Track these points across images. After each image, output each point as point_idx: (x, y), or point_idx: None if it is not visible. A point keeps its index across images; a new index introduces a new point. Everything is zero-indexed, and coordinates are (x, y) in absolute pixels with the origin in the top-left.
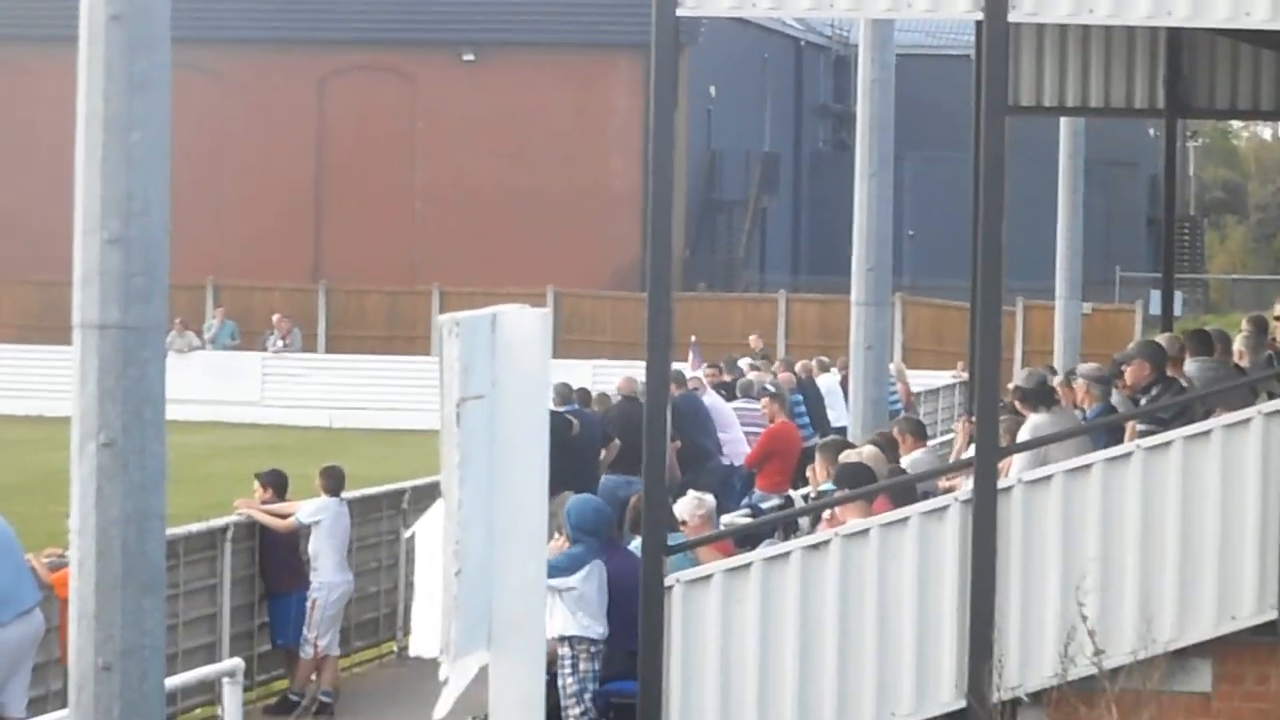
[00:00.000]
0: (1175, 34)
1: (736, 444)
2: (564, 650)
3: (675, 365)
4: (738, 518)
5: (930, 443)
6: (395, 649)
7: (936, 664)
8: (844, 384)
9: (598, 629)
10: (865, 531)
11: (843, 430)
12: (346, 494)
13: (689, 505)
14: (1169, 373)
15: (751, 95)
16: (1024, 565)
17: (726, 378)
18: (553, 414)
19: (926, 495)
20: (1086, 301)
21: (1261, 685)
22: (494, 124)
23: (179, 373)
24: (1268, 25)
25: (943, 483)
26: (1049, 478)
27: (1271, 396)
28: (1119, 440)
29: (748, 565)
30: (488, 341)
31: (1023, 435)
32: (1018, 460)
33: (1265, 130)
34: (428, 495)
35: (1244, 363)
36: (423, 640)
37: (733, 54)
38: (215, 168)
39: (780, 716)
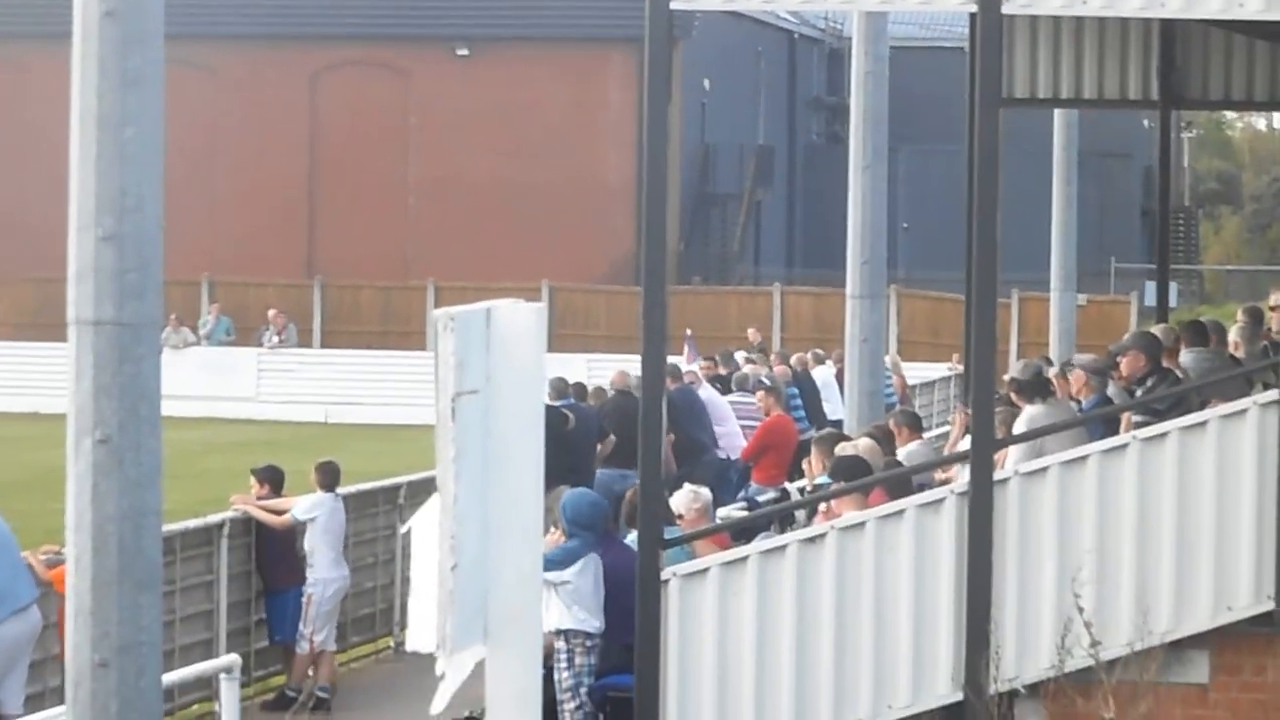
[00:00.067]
0: (1169, 25)
1: (732, 437)
2: (560, 644)
3: (670, 359)
4: (734, 511)
5: (926, 435)
6: (392, 644)
7: (933, 656)
8: (839, 377)
9: (593, 623)
10: (861, 524)
11: (838, 423)
12: (342, 489)
13: (685, 499)
14: (1164, 364)
15: (745, 88)
16: (1020, 557)
17: (722, 371)
18: (548, 408)
19: (922, 487)
20: (1081, 293)
21: (1259, 676)
22: (488, 119)
23: (174, 369)
24: (1261, 16)
25: (939, 475)
26: (1045, 469)
27: (1267, 387)
28: (1115, 432)
29: (744, 558)
30: (482, 336)
31: (1018, 427)
32: (1013, 452)
33: (1259, 121)
34: (424, 490)
35: (1239, 353)
36: (419, 635)
37: (726, 47)
38: (209, 164)
39: (777, 709)
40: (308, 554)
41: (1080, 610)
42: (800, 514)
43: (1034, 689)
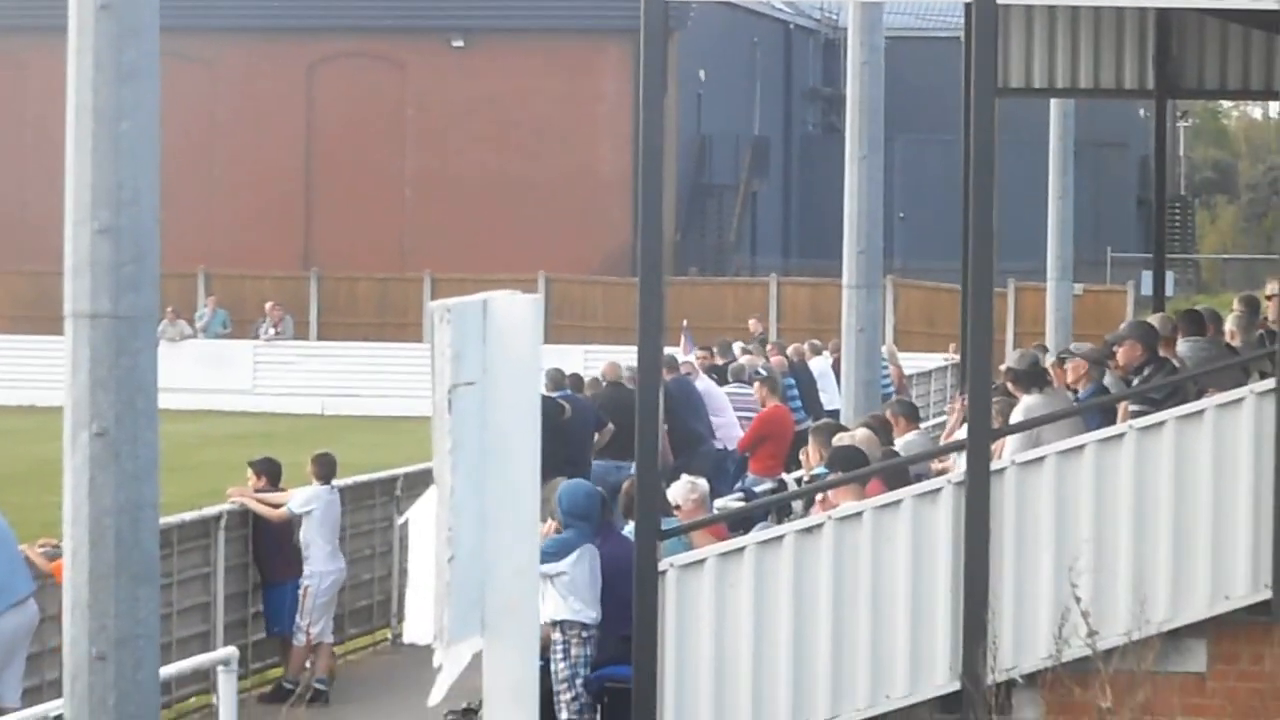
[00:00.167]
0: (1164, 14)
1: (729, 428)
2: (556, 635)
3: (667, 350)
4: (731, 502)
5: (923, 425)
6: (389, 636)
7: (931, 646)
8: (836, 367)
9: (590, 614)
10: (859, 514)
11: (835, 413)
12: (339, 481)
13: (682, 489)
14: (1161, 353)
15: (741, 79)
16: (1017, 547)
17: (719, 361)
18: (544, 399)
19: (920, 477)
20: (1078, 283)
21: (1256, 665)
22: (484, 110)
23: (171, 361)
24: (1256, 5)
25: (936, 465)
26: (1042, 459)
27: (1263, 376)
28: (1111, 421)
29: (741, 549)
30: (479, 328)
31: (1015, 417)
32: (1010, 442)
33: (1255, 110)
34: (420, 482)
35: (1236, 342)
36: (417, 627)
37: (722, 38)
38: (206, 157)
39: (775, 699)
40: (303, 546)
41: (1077, 600)
42: (797, 504)
43: (1031, 679)
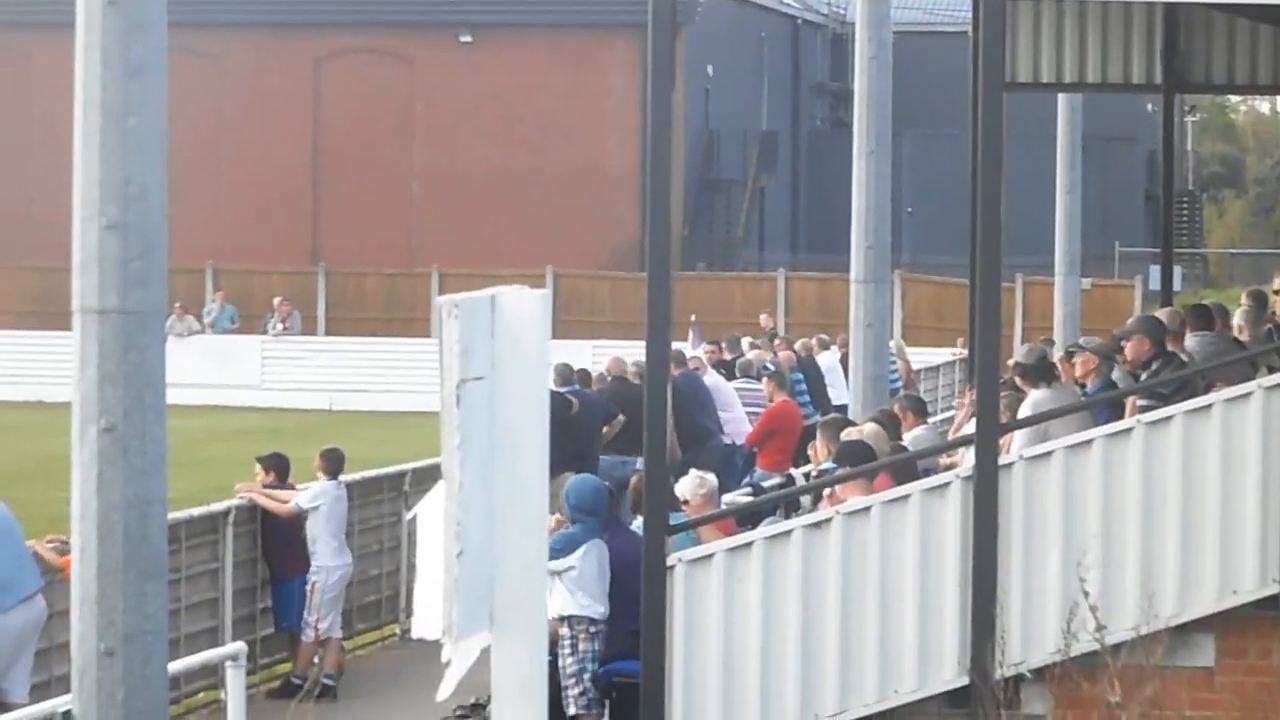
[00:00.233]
0: (1172, 9)
1: (738, 423)
2: (564, 631)
3: (675, 345)
4: (739, 497)
5: (931, 420)
6: (398, 631)
7: (939, 641)
8: (844, 362)
9: (598, 609)
10: (867, 509)
11: (843, 408)
12: (348, 476)
13: (691, 484)
14: (1169, 348)
15: (749, 74)
16: (1025, 542)
17: (727, 356)
18: (552, 394)
19: (928, 472)
20: (1086, 277)
21: (1264, 659)
22: (492, 105)
23: (179, 357)
24: None
25: (944, 460)
26: (1050, 454)
27: (1271, 371)
28: (1119, 416)
29: (749, 544)
30: (487, 323)
31: (1023, 412)
32: (1018, 437)
33: (1263, 104)
34: (429, 477)
35: (1244, 337)
36: (425, 622)
37: (730, 33)
38: (213, 152)
39: (783, 695)
40: (310, 542)
41: (1085, 594)
42: (805, 499)
43: (1039, 673)
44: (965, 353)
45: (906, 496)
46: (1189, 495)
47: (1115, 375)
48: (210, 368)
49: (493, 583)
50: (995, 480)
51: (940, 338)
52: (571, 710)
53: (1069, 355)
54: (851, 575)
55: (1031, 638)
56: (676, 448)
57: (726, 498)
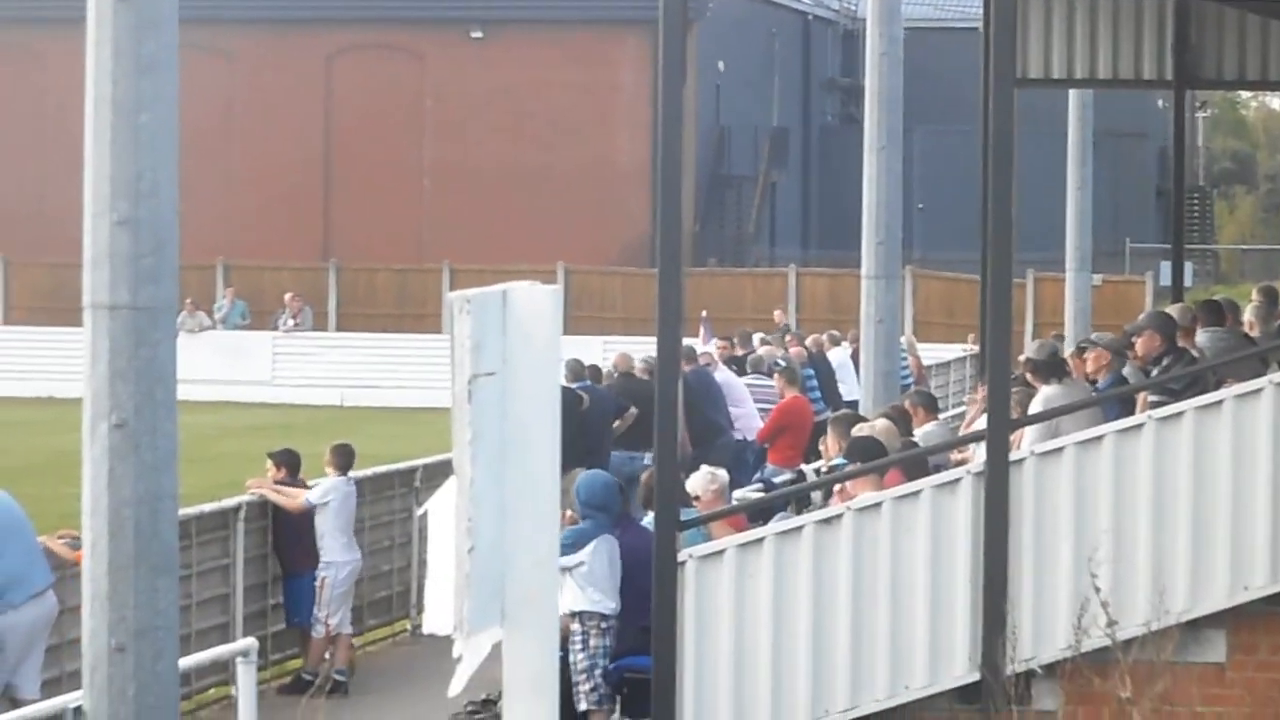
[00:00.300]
0: (1183, 4)
1: (749, 419)
2: (575, 626)
3: (686, 341)
4: (750, 493)
5: (942, 415)
6: (409, 627)
7: (950, 637)
8: (855, 358)
9: (609, 604)
10: (878, 505)
11: (854, 404)
12: (359, 472)
13: (702, 480)
14: (1180, 343)
15: (760, 70)
16: (1036, 537)
17: (739, 351)
18: (563, 390)
19: (939, 468)
20: (1096, 273)
21: (1276, 655)
22: (502, 101)
23: (190, 353)
24: None
25: (955, 455)
26: (1061, 450)
27: None
28: (1130, 412)
29: (760, 540)
30: (499, 318)
31: (1034, 407)
32: (1029, 432)
33: (1274, 100)
34: (440, 473)
35: (1254, 333)
36: (436, 618)
37: (740, 29)
38: (224, 148)
39: (794, 690)
40: (319, 537)
41: (1097, 590)
42: (816, 495)
43: (1051, 669)
44: (976, 349)
45: (917, 492)
46: (1200, 491)
47: (1126, 371)
48: (221, 364)
49: (504, 578)
50: (1006, 476)
51: (951, 334)
52: (583, 706)
53: (1080, 351)
54: (862, 571)
55: (1042, 633)
56: (687, 444)
57: (737, 494)
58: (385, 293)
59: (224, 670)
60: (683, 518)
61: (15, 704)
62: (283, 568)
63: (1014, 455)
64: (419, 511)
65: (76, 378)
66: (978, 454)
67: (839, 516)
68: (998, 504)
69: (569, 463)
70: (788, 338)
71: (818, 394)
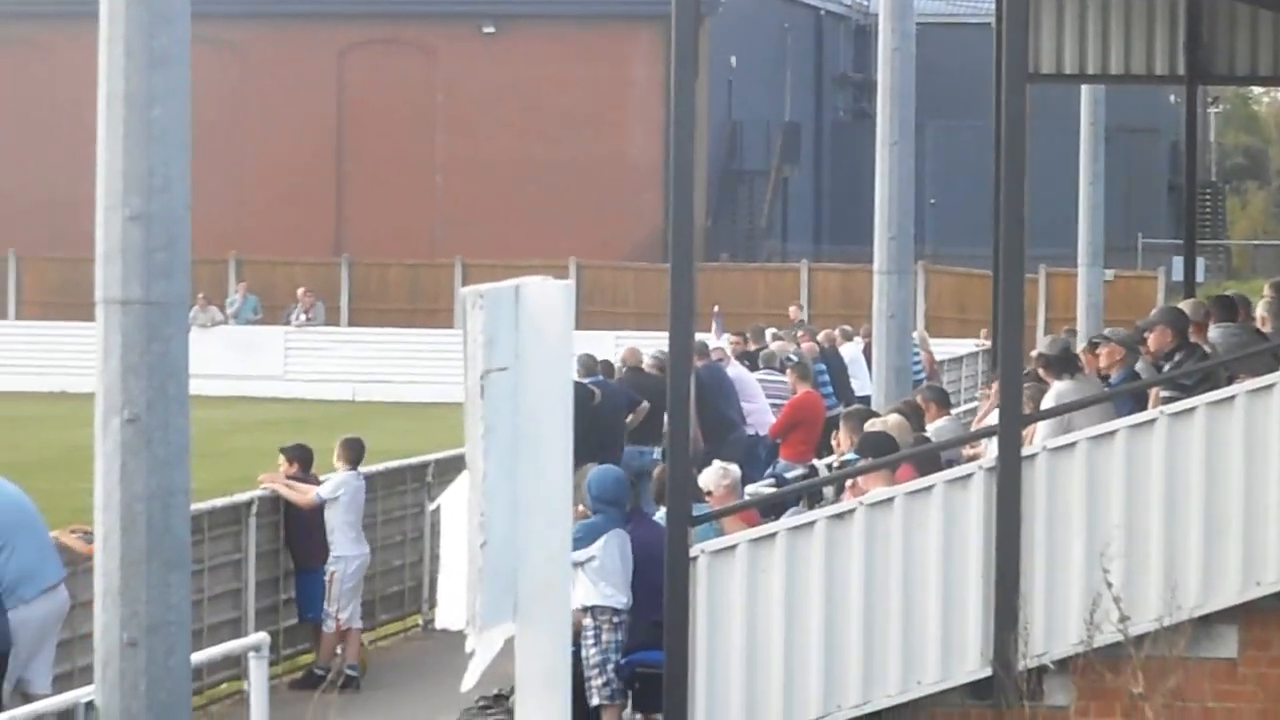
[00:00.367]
0: (1195, 0)
1: (761, 414)
2: (587, 621)
3: (697, 336)
4: (762, 488)
5: (954, 411)
6: (420, 622)
7: (962, 632)
8: (867, 353)
9: (620, 599)
10: (890, 500)
11: (866, 399)
12: (371, 467)
13: (714, 476)
14: (1192, 339)
15: (772, 65)
16: (1049, 532)
17: (752, 347)
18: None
19: (951, 463)
20: (1109, 268)
21: None
22: (514, 96)
23: (202, 347)
24: None
25: (967, 451)
26: (1073, 445)
27: None
28: (1143, 407)
29: (773, 535)
30: (511, 313)
31: (1047, 402)
32: (1042, 428)
33: None
34: (451, 468)
35: (1267, 328)
36: (449, 613)
37: (753, 24)
38: (236, 143)
39: (806, 685)
40: (328, 531)
41: (1109, 585)
42: (828, 490)
43: (1063, 664)
44: (988, 344)
45: (929, 487)
46: (1212, 486)
47: (1138, 367)
48: (233, 359)
49: (516, 574)
50: (1018, 471)
51: (963, 329)
52: (595, 701)
53: (1093, 346)
54: (874, 566)
55: (1054, 629)
56: (700, 439)
57: (749, 489)
58: (397, 287)
59: (236, 665)
60: (695, 513)
61: (27, 699)
62: (295, 563)
63: (1026, 450)
64: (431, 506)
65: (89, 373)
66: (990, 449)
67: (851, 512)
68: (1010, 499)
69: (581, 458)
70: (799, 333)
71: (830, 389)
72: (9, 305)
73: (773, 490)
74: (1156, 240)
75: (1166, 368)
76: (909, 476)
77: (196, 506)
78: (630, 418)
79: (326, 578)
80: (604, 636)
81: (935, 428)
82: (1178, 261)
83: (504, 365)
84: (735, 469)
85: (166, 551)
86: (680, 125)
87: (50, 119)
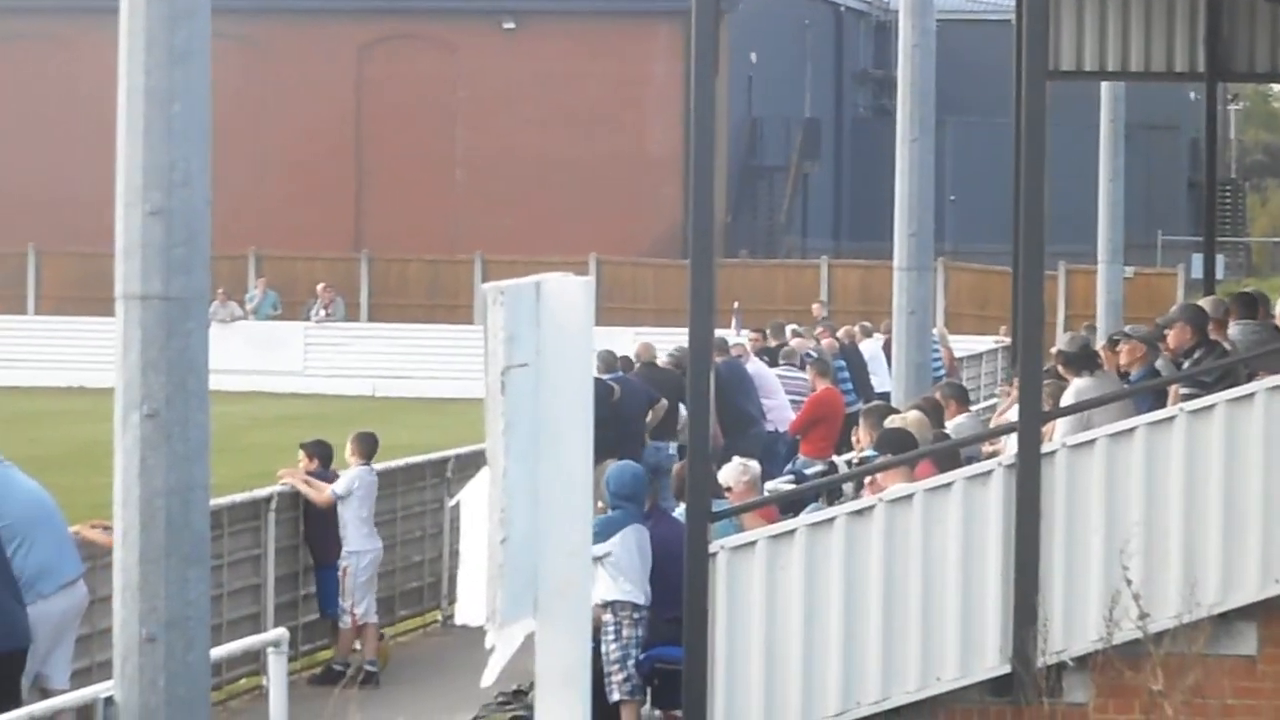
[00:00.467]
0: None
1: (780, 410)
2: (607, 616)
3: (717, 332)
4: (781, 484)
5: (974, 407)
6: (440, 618)
7: (981, 629)
8: (887, 349)
9: (639, 595)
10: (909, 497)
11: (886, 396)
12: (391, 462)
13: (734, 472)
14: (1212, 336)
15: (792, 61)
16: (1068, 529)
17: (772, 343)
18: (595, 381)
19: (970, 460)
20: (1128, 265)
21: None
22: (534, 92)
23: (221, 343)
24: None
25: (986, 447)
26: (1092, 442)
27: None
28: (1162, 404)
29: (792, 531)
30: (532, 309)
31: (1066, 399)
32: (1061, 425)
33: None
34: (471, 464)
35: None
36: (469, 608)
37: (773, 20)
38: (256, 138)
39: (825, 682)
40: (341, 526)
41: (1128, 582)
42: (848, 487)
43: (1082, 661)
44: (1008, 341)
45: (949, 484)
46: (1231, 483)
47: (1158, 363)
48: (253, 354)
49: (536, 570)
50: (1038, 468)
51: (983, 325)
52: (615, 696)
53: (1113, 343)
54: (894, 562)
55: (1073, 626)
56: (719, 435)
57: (769, 485)
58: (417, 283)
59: (255, 661)
60: (714, 509)
61: (45, 694)
62: (314, 558)
63: (1045, 447)
64: (451, 502)
65: (108, 368)
66: (1009, 446)
67: (870, 508)
68: (1029, 496)
69: (601, 454)
70: (819, 329)
71: (849, 385)
72: (29, 300)
73: (792, 487)
74: (1176, 237)
75: (1186, 365)
76: (928, 473)
77: (216, 502)
78: (649, 416)
79: (340, 573)
80: (624, 632)
81: (955, 424)
82: (1197, 258)
83: (525, 361)
84: (755, 465)
85: (186, 547)
86: (700, 121)
87: (70, 114)
